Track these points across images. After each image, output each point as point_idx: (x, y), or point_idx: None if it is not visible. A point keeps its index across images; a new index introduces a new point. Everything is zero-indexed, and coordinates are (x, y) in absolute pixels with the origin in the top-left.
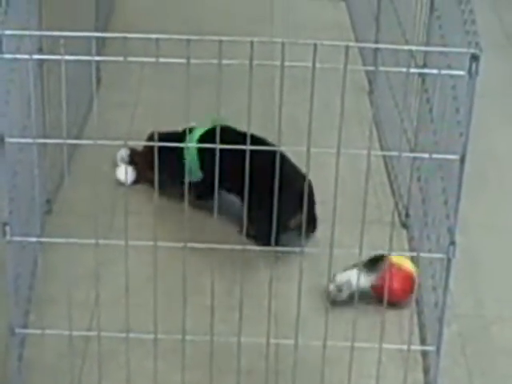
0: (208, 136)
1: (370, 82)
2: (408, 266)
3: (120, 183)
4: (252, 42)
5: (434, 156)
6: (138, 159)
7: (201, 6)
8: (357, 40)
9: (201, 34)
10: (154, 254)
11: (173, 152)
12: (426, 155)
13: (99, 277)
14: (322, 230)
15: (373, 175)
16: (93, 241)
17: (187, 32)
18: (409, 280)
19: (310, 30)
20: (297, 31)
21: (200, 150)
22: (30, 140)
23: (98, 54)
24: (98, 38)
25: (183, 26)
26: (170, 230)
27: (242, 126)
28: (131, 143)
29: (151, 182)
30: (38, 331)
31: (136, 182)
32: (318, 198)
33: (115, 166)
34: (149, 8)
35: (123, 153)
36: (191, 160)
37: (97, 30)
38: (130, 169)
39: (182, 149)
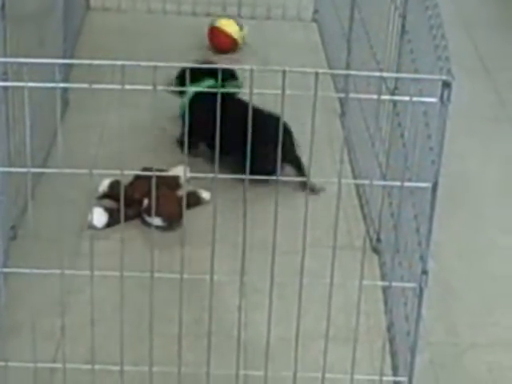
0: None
1: (341, 104)
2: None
3: (91, 226)
4: (220, 69)
5: (406, 184)
6: (118, 191)
7: (168, 26)
8: (328, 61)
9: (170, 53)
10: (120, 283)
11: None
12: (398, 183)
13: (65, 306)
14: (290, 258)
15: (344, 200)
16: (58, 270)
17: (155, 50)
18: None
19: (281, 51)
20: (268, 52)
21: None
22: None
23: (66, 77)
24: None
25: (153, 44)
26: (137, 257)
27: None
28: (95, 172)
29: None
30: (1, 363)
31: (108, 225)
32: (286, 224)
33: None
34: (118, 27)
35: (105, 184)
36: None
37: (64, 52)
38: (102, 211)
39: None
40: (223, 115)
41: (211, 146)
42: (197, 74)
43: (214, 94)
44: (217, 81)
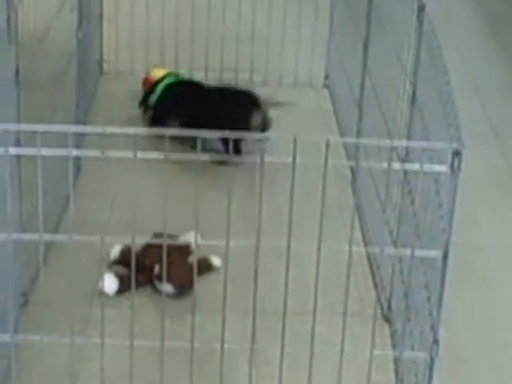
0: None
1: (352, 171)
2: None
3: (102, 293)
4: (231, 139)
5: (417, 253)
6: (129, 257)
7: None
8: (339, 127)
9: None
10: (130, 352)
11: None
12: (408, 252)
13: (75, 374)
14: (302, 324)
15: (355, 266)
16: (68, 338)
17: None
18: None
19: (292, 117)
20: (279, 118)
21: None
22: (4, 235)
23: (78, 143)
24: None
25: None
26: (148, 325)
27: (223, 218)
28: (107, 238)
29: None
30: None
31: (119, 292)
32: (297, 290)
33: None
34: (131, 91)
35: (116, 250)
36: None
37: (77, 118)
38: (113, 278)
39: None
40: (194, 100)
41: (185, 125)
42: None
43: (184, 83)
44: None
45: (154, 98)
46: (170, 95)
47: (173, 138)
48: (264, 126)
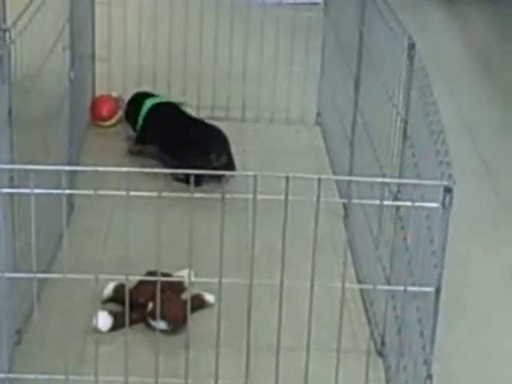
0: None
1: (344, 207)
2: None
3: (96, 330)
4: (223, 175)
5: (409, 288)
6: (122, 295)
7: None
8: (331, 164)
9: None
10: None
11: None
12: (401, 288)
13: None
14: (295, 360)
15: (348, 302)
16: (63, 376)
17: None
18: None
19: (284, 154)
20: (271, 155)
21: (148, 114)
22: None
23: (71, 181)
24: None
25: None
26: (142, 362)
27: (216, 255)
28: (100, 276)
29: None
30: None
31: (113, 329)
32: (291, 326)
33: (90, 297)
34: (122, 130)
35: (110, 287)
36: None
37: (70, 156)
38: (107, 315)
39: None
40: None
41: (162, 148)
42: (140, 97)
43: (165, 108)
44: (159, 100)
45: (140, 118)
46: (154, 117)
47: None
48: (227, 168)
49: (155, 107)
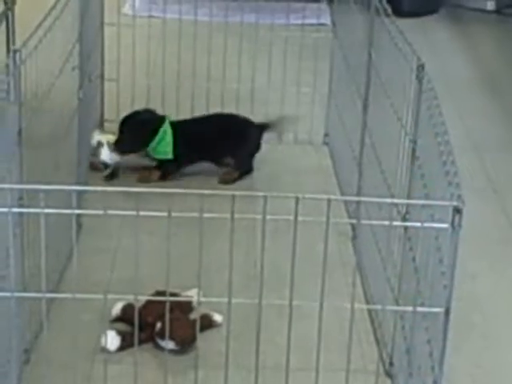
0: (180, 123)
1: (353, 228)
2: None
3: (104, 350)
4: (233, 196)
5: (418, 309)
6: (131, 314)
7: None
8: (339, 184)
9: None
10: None
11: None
12: (410, 308)
13: None
14: (304, 380)
15: (357, 323)
16: None
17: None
18: None
19: (292, 175)
20: (279, 175)
21: (175, 134)
22: (7, 294)
23: (80, 201)
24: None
25: None
26: (150, 382)
27: (224, 274)
28: (109, 296)
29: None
30: None
31: (121, 348)
32: (299, 346)
33: (98, 317)
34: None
35: (118, 307)
36: (166, 142)
37: (79, 176)
38: (115, 334)
39: None
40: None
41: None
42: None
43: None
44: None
45: (163, 144)
46: (181, 136)
47: None
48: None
49: (175, 126)
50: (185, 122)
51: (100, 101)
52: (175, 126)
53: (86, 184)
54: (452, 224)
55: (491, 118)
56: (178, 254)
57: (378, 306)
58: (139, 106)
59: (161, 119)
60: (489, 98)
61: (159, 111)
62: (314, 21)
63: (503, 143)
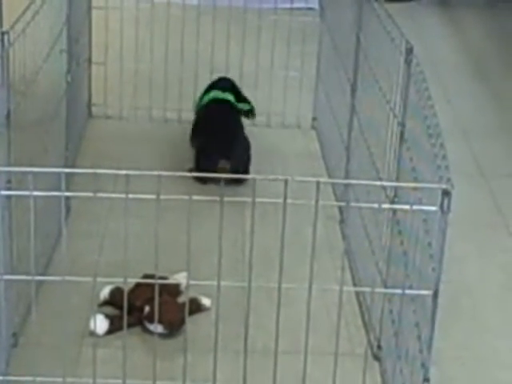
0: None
1: (341, 212)
2: None
3: (92, 333)
4: (222, 179)
5: (407, 291)
6: (119, 298)
7: (168, 134)
8: (327, 168)
9: (172, 160)
10: None
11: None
12: (399, 291)
13: None
14: (292, 363)
15: (345, 306)
16: (60, 379)
17: (157, 158)
18: None
19: (280, 159)
20: (267, 159)
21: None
22: None
23: (68, 185)
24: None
25: (154, 151)
26: (139, 365)
27: (212, 258)
28: (99, 279)
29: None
30: None
31: (110, 332)
32: (288, 329)
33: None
34: (119, 135)
35: (106, 291)
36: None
37: (67, 159)
38: (103, 318)
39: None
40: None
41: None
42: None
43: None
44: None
45: None
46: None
47: None
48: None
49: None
50: None
51: (88, 84)
52: None
53: (74, 168)
54: (441, 207)
55: (479, 103)
56: (167, 237)
57: (367, 289)
58: (127, 90)
59: None
60: (476, 82)
61: (146, 95)
62: (302, 5)
63: (491, 127)
